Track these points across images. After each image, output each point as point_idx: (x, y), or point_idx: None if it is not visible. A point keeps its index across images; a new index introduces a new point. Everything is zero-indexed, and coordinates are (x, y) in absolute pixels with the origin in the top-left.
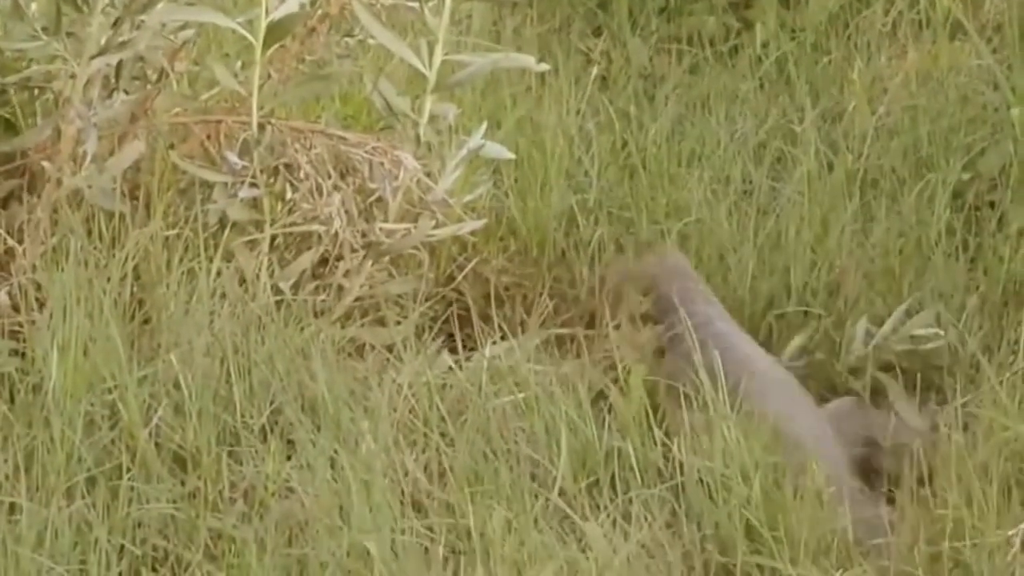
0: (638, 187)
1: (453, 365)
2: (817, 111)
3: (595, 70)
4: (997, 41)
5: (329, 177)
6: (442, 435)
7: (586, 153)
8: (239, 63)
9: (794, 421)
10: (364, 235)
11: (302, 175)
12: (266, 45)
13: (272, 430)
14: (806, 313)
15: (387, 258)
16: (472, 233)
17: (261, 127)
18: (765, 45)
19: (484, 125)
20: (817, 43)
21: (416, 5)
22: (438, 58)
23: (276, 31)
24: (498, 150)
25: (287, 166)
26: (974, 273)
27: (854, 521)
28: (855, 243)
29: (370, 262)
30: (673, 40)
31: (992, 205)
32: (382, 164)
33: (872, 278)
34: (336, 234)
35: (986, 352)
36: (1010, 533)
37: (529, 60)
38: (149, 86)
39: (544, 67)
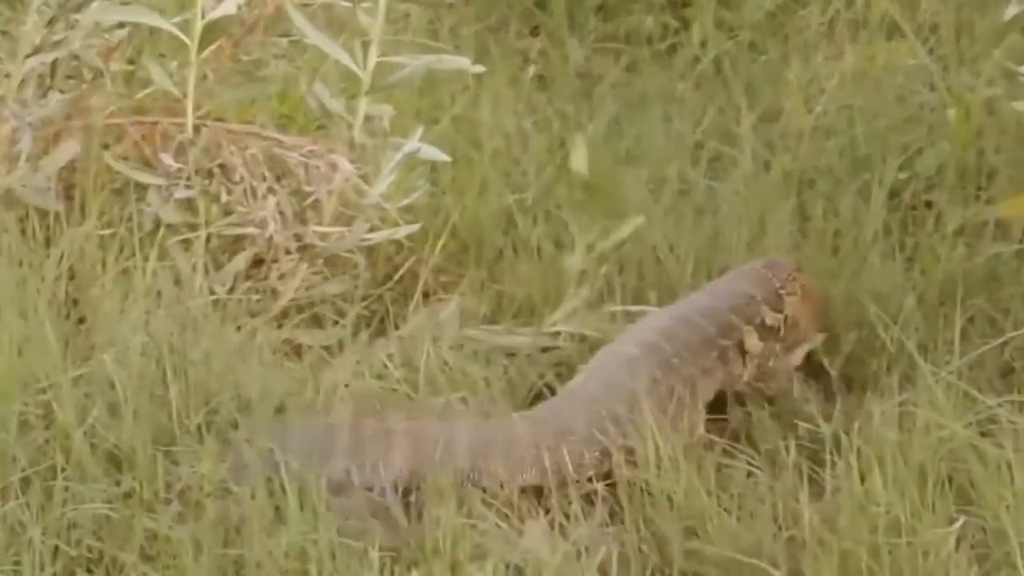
0: (575, 188)
1: (388, 363)
2: (754, 111)
3: (532, 69)
4: (933, 41)
5: (264, 179)
6: None
7: (524, 152)
8: (174, 63)
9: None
10: (299, 238)
11: (237, 177)
12: (202, 46)
13: (208, 430)
14: None
15: (321, 260)
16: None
17: (196, 129)
18: (703, 44)
19: (421, 129)
20: (754, 42)
21: (350, 4)
22: (373, 59)
23: (212, 32)
24: (434, 152)
25: (222, 168)
26: (911, 273)
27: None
28: (792, 243)
29: (305, 264)
30: (610, 39)
31: (929, 205)
32: (317, 167)
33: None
34: (270, 236)
35: (922, 351)
36: (946, 530)
37: (464, 61)
38: (84, 85)
39: (479, 68)
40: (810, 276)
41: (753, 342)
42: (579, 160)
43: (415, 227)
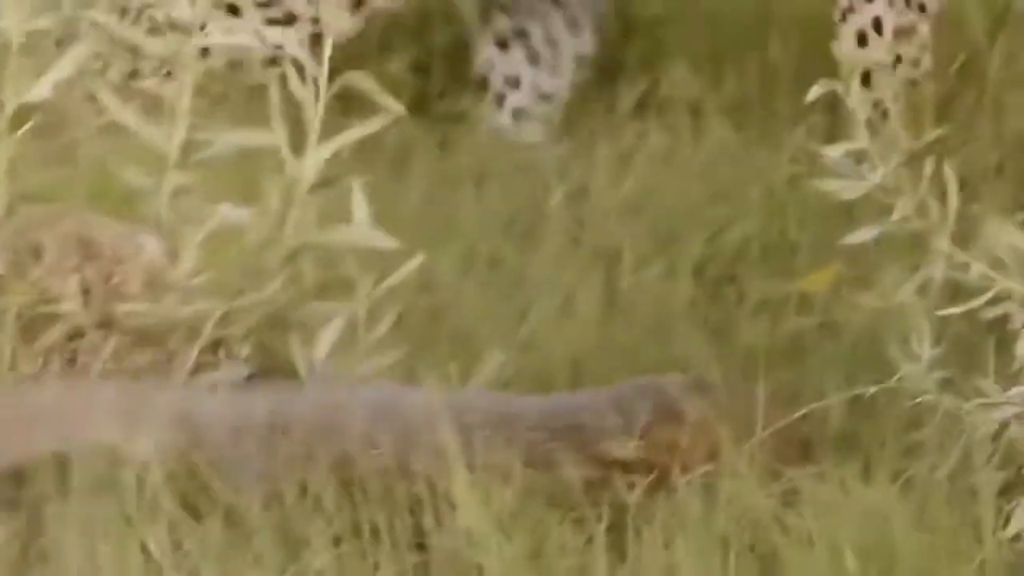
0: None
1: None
2: (563, 188)
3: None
4: (738, 120)
5: (72, 258)
6: None
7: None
8: None
9: None
10: (107, 315)
11: (47, 257)
12: (12, 129)
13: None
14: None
15: (133, 335)
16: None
17: (11, 209)
18: None
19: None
20: (565, 120)
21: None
22: (179, 135)
23: (23, 116)
24: (239, 216)
25: (33, 248)
26: (715, 344)
27: None
28: (600, 317)
29: (113, 339)
30: (424, 116)
31: (733, 279)
32: (123, 246)
33: (617, 350)
34: (76, 313)
35: (727, 423)
36: None
37: (275, 136)
38: None
39: (284, 149)
40: None
41: None
42: (359, 209)
43: (223, 308)
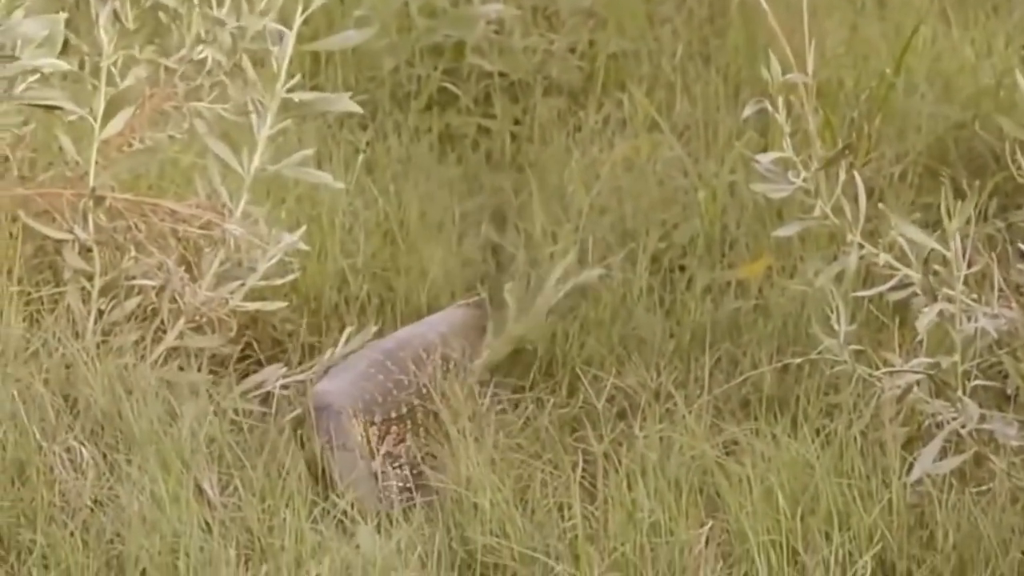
0: (397, 252)
1: (238, 399)
2: (544, 191)
3: (361, 157)
4: (687, 137)
5: (158, 243)
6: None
7: (355, 223)
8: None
9: None
10: (181, 296)
11: (132, 237)
12: (105, 120)
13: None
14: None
15: (203, 318)
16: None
17: (99, 198)
18: (503, 137)
19: (303, 227)
20: (543, 136)
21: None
22: (255, 163)
23: (112, 106)
24: (296, 242)
25: (124, 229)
26: (669, 323)
27: None
28: (573, 300)
29: (183, 319)
30: (425, 132)
31: (683, 268)
32: (209, 235)
33: (587, 326)
34: (159, 292)
35: (679, 387)
36: (698, 532)
37: (326, 177)
38: None
39: (327, 178)
40: None
41: None
42: None
43: (283, 304)
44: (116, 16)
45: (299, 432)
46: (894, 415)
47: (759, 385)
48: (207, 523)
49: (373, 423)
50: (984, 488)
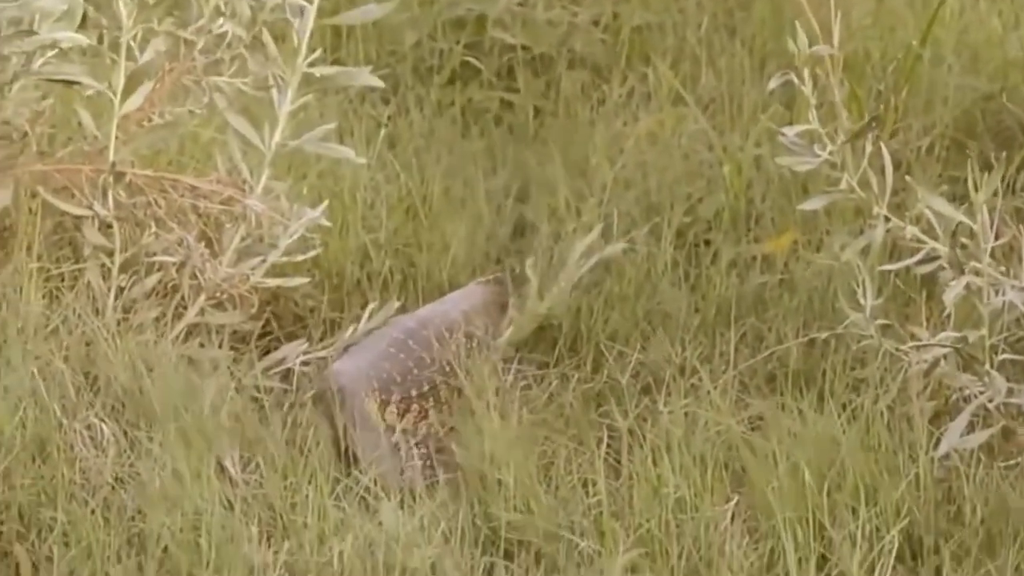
0: (419, 228)
1: (259, 376)
2: (567, 165)
3: (383, 132)
4: (712, 110)
5: (177, 218)
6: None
7: (377, 198)
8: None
9: None
10: (202, 273)
11: (152, 212)
12: (124, 95)
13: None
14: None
15: (224, 294)
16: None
17: (119, 174)
18: (527, 112)
19: (326, 203)
20: (568, 110)
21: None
22: (276, 138)
23: (132, 81)
24: (318, 217)
25: (144, 205)
26: (694, 298)
27: None
28: (597, 275)
29: (203, 296)
30: (448, 107)
31: (708, 243)
32: (230, 212)
33: (611, 302)
34: (179, 268)
35: (704, 362)
36: (723, 508)
37: (348, 152)
38: (13, 145)
39: (349, 153)
40: None
41: None
42: None
43: (305, 280)
44: None
45: (320, 409)
46: (921, 389)
47: (785, 360)
48: (229, 500)
49: (390, 402)
50: (1012, 462)
